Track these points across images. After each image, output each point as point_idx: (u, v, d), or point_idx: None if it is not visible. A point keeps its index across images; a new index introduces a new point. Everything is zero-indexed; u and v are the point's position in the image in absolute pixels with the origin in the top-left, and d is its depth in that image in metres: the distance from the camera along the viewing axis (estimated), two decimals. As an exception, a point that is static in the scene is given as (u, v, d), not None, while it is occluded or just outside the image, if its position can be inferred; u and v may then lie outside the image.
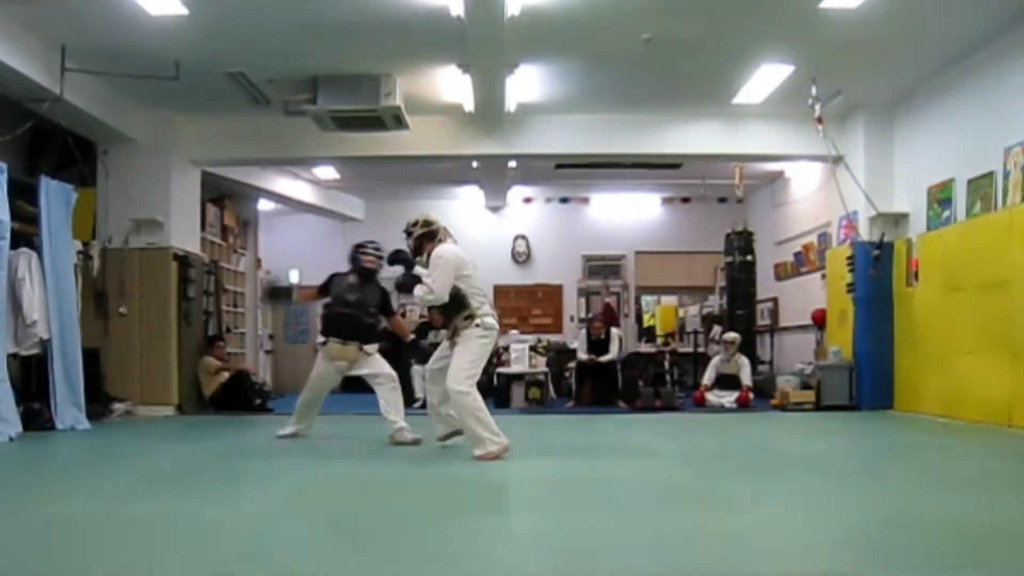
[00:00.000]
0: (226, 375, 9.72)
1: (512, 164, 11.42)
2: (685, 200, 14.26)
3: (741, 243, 11.68)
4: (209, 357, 9.79)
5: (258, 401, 9.80)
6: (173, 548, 3.03)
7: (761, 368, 11.63)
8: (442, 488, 4.36)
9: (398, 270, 5.55)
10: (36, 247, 7.37)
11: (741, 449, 6.24)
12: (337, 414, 9.38)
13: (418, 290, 5.23)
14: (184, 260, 9.43)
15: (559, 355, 12.05)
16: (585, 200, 14.36)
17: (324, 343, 6.35)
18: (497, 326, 5.42)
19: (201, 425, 8.24)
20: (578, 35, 7.27)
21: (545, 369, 10.61)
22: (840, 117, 9.21)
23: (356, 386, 13.06)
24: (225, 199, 11.90)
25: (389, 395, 6.25)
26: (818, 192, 11.05)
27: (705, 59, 7.86)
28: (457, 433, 5.58)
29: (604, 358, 10.03)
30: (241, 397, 9.56)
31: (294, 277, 14.75)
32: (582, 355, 10.22)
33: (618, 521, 3.49)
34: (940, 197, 8.14)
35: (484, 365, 5.38)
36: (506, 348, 10.66)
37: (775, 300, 12.62)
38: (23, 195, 7.30)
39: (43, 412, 7.23)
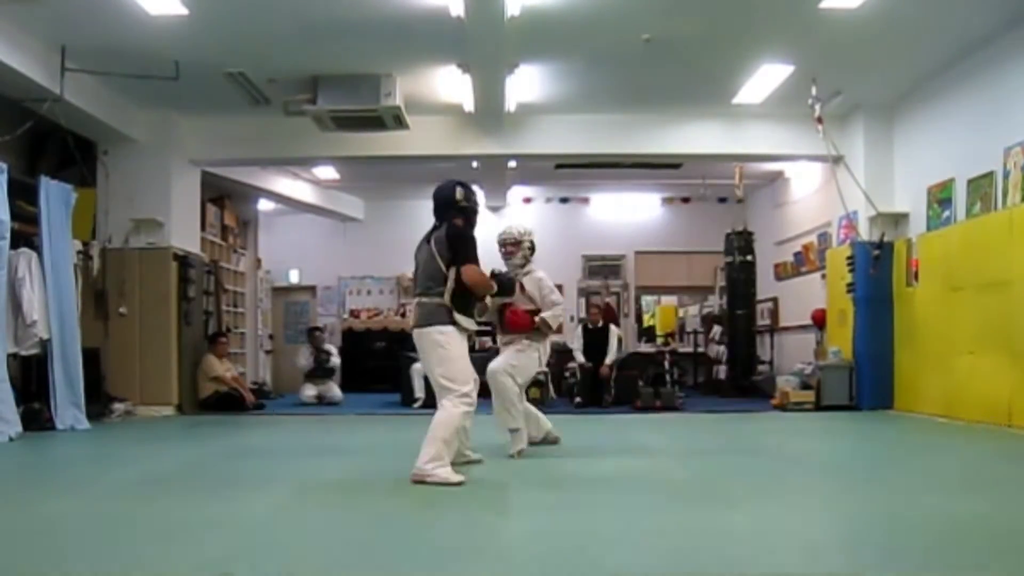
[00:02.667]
0: (223, 389, 9.58)
1: (512, 164, 11.41)
2: (685, 200, 14.25)
3: (741, 243, 11.67)
4: (211, 356, 9.74)
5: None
6: (173, 548, 3.03)
7: (761, 368, 11.64)
8: (442, 488, 4.35)
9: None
10: (36, 247, 7.38)
11: (741, 449, 6.24)
12: (337, 414, 9.40)
13: (558, 312, 5.75)
14: (184, 260, 9.42)
15: (559, 355, 12.02)
16: (585, 200, 14.35)
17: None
18: None
19: (201, 425, 8.23)
20: (578, 35, 7.27)
21: (545, 369, 10.55)
22: (840, 117, 9.21)
23: (356, 386, 13.16)
24: (225, 199, 11.90)
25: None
26: (818, 192, 11.04)
27: (705, 59, 7.86)
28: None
29: (603, 367, 9.86)
30: (233, 409, 9.44)
31: (294, 277, 14.76)
32: (580, 357, 10.09)
33: (618, 520, 3.50)
34: (940, 197, 8.14)
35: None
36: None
37: (775, 300, 12.62)
38: (23, 195, 7.31)
39: (43, 412, 7.24)
